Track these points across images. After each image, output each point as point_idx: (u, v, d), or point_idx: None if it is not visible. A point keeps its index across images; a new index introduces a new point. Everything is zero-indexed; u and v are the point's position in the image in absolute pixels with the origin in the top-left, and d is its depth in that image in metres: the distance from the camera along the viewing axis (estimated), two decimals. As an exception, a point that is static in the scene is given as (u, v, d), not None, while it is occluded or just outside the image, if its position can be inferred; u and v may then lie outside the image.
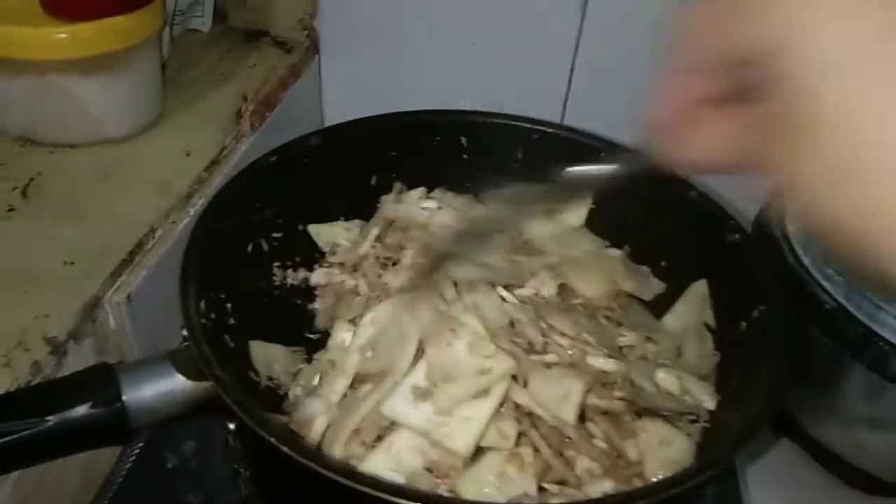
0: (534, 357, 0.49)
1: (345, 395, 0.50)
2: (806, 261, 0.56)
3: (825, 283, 0.54)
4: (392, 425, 0.47)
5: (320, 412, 0.48)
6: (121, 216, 0.59)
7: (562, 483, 0.45)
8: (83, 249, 0.56)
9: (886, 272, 0.26)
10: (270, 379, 0.52)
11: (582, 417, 0.48)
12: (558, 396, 0.47)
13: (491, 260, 0.56)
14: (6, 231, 0.57)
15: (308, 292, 0.59)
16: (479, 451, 0.46)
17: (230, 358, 0.49)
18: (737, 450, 0.42)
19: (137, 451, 0.57)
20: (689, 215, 0.58)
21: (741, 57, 0.28)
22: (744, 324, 0.52)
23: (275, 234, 0.59)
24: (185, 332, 0.45)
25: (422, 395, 0.47)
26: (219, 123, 0.70)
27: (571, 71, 0.76)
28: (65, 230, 0.58)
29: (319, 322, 0.58)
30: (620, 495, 0.43)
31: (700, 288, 0.57)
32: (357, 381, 0.50)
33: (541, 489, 0.45)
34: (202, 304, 0.48)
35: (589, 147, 0.63)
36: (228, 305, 0.52)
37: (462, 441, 0.45)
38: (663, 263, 0.60)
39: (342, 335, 0.53)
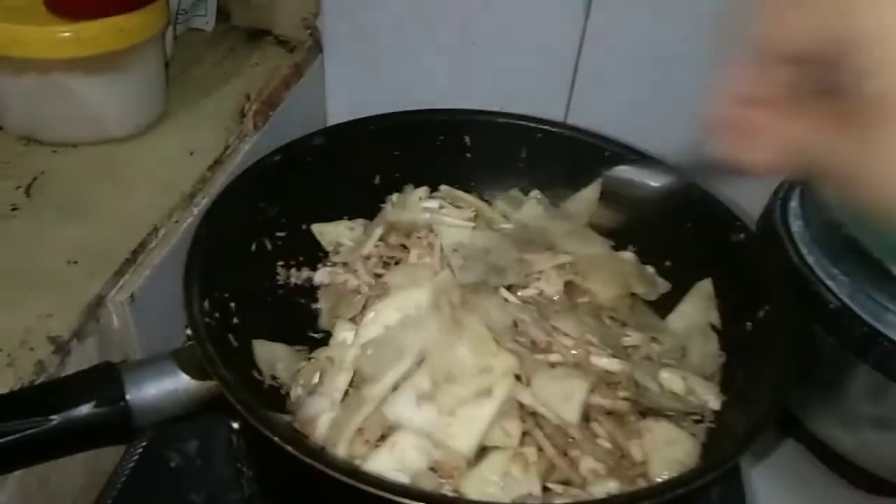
0: (538, 356, 0.49)
1: (347, 394, 0.50)
2: (810, 260, 0.56)
3: (830, 283, 0.54)
4: (395, 424, 0.47)
5: (324, 410, 0.48)
6: (124, 215, 0.59)
7: (566, 483, 0.45)
8: (86, 249, 0.56)
9: None
10: (274, 378, 0.52)
11: (586, 417, 0.48)
12: (562, 396, 0.47)
13: (499, 259, 0.56)
14: (9, 230, 0.57)
15: (311, 292, 0.59)
16: (483, 451, 0.46)
17: (234, 357, 0.49)
18: (742, 450, 0.42)
19: (141, 450, 0.57)
20: (694, 214, 0.57)
21: (813, 52, 0.28)
22: (749, 324, 0.52)
23: (278, 234, 0.59)
24: (188, 332, 0.45)
25: (425, 397, 0.46)
26: (222, 123, 0.70)
27: (575, 71, 0.76)
28: (68, 229, 0.58)
29: (322, 321, 0.58)
30: (625, 496, 0.43)
31: (705, 287, 0.57)
32: (359, 379, 0.50)
33: (545, 489, 0.45)
34: (206, 304, 0.48)
35: (592, 146, 0.63)
36: (232, 305, 0.52)
37: (465, 441, 0.45)
38: (668, 263, 0.60)
39: (344, 334, 0.53)
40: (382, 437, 0.47)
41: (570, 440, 0.46)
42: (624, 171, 0.45)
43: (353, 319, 0.54)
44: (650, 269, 0.60)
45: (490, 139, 0.64)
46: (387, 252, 0.59)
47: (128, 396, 0.43)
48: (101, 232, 0.58)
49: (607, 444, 0.47)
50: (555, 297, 0.54)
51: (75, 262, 0.55)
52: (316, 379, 0.51)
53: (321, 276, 0.60)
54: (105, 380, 0.44)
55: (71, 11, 0.60)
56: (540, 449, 0.46)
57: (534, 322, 0.51)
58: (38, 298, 0.52)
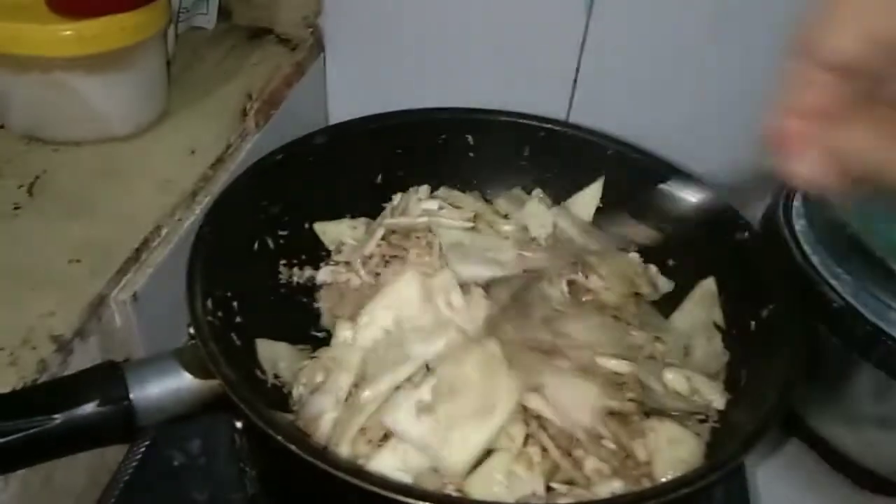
0: (547, 360, 0.49)
1: (350, 394, 0.49)
2: (814, 259, 0.56)
3: (833, 282, 0.54)
4: (392, 433, 0.46)
5: (327, 409, 0.48)
6: (126, 214, 0.59)
7: (570, 483, 0.45)
8: (89, 247, 0.56)
9: None
10: (276, 377, 0.52)
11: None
12: (576, 403, 0.46)
13: (501, 255, 0.56)
14: (12, 229, 0.57)
15: (314, 291, 0.59)
16: (486, 451, 0.45)
17: (236, 356, 0.48)
18: (746, 450, 0.42)
19: (144, 448, 0.57)
20: (697, 213, 0.57)
21: (869, 59, 0.27)
22: (753, 323, 0.51)
23: (280, 232, 0.59)
24: (191, 330, 0.45)
25: (425, 409, 0.46)
26: (223, 121, 0.70)
27: (577, 69, 0.76)
28: (70, 228, 0.58)
29: (324, 321, 0.58)
30: (629, 495, 0.43)
31: (708, 286, 0.56)
32: (361, 379, 0.50)
33: (549, 489, 0.45)
34: (208, 303, 0.48)
35: (595, 145, 0.63)
36: (234, 303, 0.51)
37: (458, 458, 0.44)
38: (671, 262, 0.60)
39: (345, 333, 0.53)
40: (385, 437, 0.46)
41: (574, 441, 0.46)
42: (665, 188, 0.45)
43: (353, 318, 0.54)
44: (653, 269, 0.60)
45: (492, 138, 0.64)
46: (388, 251, 0.59)
47: (131, 395, 0.43)
48: (103, 230, 0.58)
49: (612, 445, 0.46)
50: (561, 295, 0.54)
51: (78, 261, 0.55)
52: (319, 378, 0.51)
53: (323, 275, 0.60)
54: (108, 379, 0.44)
55: (73, 10, 0.60)
56: (544, 449, 0.46)
57: (542, 325, 0.50)
58: (41, 297, 0.52)
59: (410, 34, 0.79)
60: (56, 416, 0.41)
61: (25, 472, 0.46)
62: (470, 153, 0.65)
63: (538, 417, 0.47)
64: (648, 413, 0.49)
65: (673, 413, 0.49)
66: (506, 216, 0.64)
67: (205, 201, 0.63)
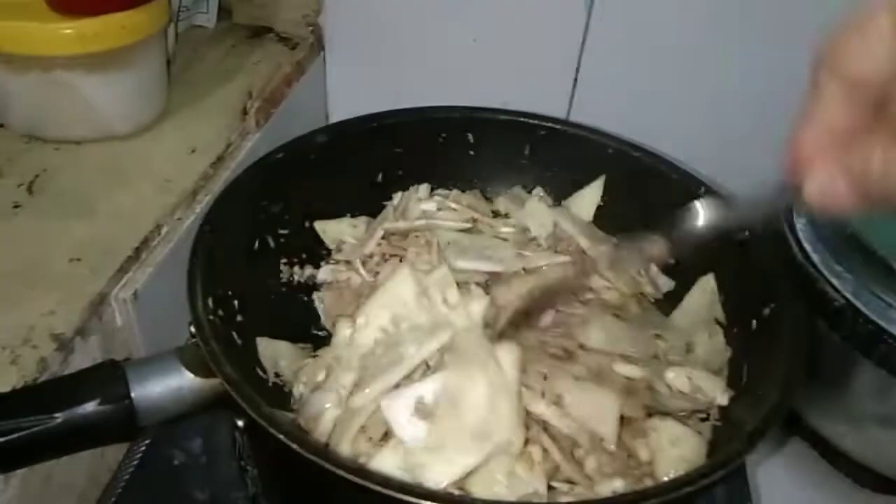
0: (563, 367, 0.48)
1: (350, 393, 0.49)
2: (815, 258, 0.56)
3: (834, 280, 0.54)
4: (386, 423, 0.46)
5: (328, 407, 0.48)
6: (126, 213, 0.59)
7: (572, 482, 0.45)
8: (89, 246, 0.56)
9: None
10: (277, 376, 0.52)
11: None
12: (597, 414, 0.46)
13: (500, 253, 0.56)
14: (12, 228, 0.57)
15: (314, 289, 0.59)
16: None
17: (237, 355, 0.48)
18: (748, 448, 0.42)
19: (145, 447, 0.57)
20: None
21: (887, 76, 0.27)
22: (754, 321, 0.51)
23: (281, 231, 0.59)
24: (192, 329, 0.45)
25: (423, 412, 0.45)
26: (224, 120, 0.70)
27: (578, 68, 0.76)
28: (71, 227, 0.58)
29: (325, 319, 0.58)
30: (631, 494, 0.43)
31: (707, 282, 0.57)
32: (361, 377, 0.50)
33: (550, 488, 0.45)
34: (209, 301, 0.48)
35: (595, 143, 0.63)
36: (235, 302, 0.51)
37: (437, 478, 0.43)
38: (671, 261, 0.60)
39: (345, 332, 0.53)
40: (386, 436, 0.46)
41: (575, 442, 0.46)
42: (691, 208, 0.44)
43: (353, 317, 0.54)
44: (654, 268, 0.60)
45: (493, 137, 0.64)
46: (389, 250, 0.59)
47: (132, 394, 0.43)
48: (103, 229, 0.58)
49: (612, 446, 0.46)
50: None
51: (78, 260, 0.55)
52: (320, 377, 0.51)
53: (324, 273, 0.60)
54: (109, 377, 0.44)
55: (73, 8, 0.60)
56: (545, 449, 0.46)
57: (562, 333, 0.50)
58: (41, 296, 0.52)
59: (410, 33, 0.79)
60: (57, 415, 0.41)
61: (25, 472, 0.46)
62: (470, 152, 0.65)
63: (539, 421, 0.46)
64: (650, 412, 0.49)
65: (677, 414, 0.49)
66: (506, 215, 0.64)
67: (205, 200, 0.63)
